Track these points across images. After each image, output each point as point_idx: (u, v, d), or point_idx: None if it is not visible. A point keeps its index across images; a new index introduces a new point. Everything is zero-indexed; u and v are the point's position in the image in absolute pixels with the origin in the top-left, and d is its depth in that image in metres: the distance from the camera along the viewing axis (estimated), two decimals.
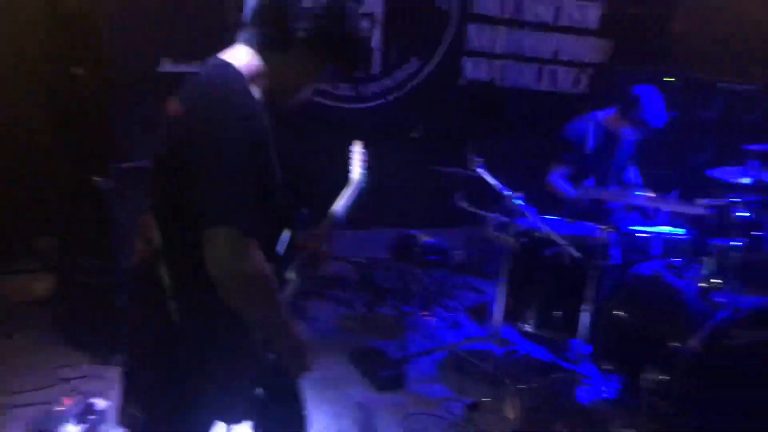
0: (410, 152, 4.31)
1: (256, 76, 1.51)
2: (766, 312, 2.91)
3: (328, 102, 4.62)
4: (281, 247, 1.68)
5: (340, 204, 2.12)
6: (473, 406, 3.16)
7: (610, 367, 3.25)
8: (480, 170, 3.27)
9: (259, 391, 1.57)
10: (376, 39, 4.69)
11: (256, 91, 1.51)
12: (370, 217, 3.88)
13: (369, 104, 4.79)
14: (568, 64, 5.22)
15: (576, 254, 3.09)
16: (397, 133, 4.30)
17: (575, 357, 3.25)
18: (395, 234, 4.34)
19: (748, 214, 3.07)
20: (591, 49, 5.23)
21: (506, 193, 3.19)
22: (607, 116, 3.87)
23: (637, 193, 3.30)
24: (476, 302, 4.47)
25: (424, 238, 4.18)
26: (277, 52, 1.52)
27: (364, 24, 4.62)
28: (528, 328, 3.49)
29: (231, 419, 1.59)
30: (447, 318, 4.18)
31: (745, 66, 5.37)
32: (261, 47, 1.52)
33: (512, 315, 3.50)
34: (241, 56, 1.51)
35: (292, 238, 1.72)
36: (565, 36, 5.17)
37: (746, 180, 3.33)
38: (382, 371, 3.39)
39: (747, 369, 2.89)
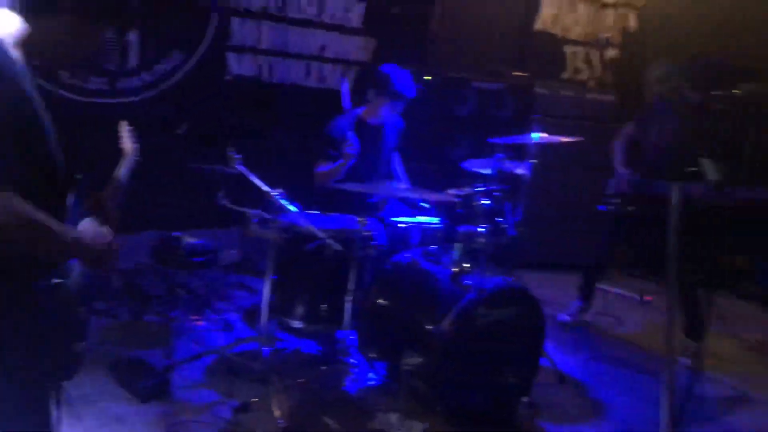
0: (173, 150, 4.12)
1: (19, 40, 1.52)
2: (506, 291, 3.17)
3: (80, 98, 4.27)
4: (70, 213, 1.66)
5: (121, 171, 2.32)
6: (241, 408, 3.09)
7: (375, 354, 3.35)
8: (240, 167, 3.21)
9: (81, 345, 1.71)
10: (132, 32, 4.42)
11: (17, 54, 1.51)
12: (133, 221, 3.65)
13: (127, 99, 4.51)
14: (334, 61, 5.31)
15: (337, 247, 3.14)
16: (158, 130, 4.08)
17: (343, 348, 3.32)
18: (158, 237, 4.13)
19: (489, 202, 3.33)
20: (355, 47, 5.36)
21: (266, 189, 3.16)
22: (365, 109, 3.99)
23: (394, 185, 3.42)
24: (249, 302, 4.39)
25: (188, 239, 4.02)
26: (41, 15, 1.54)
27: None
28: (296, 324, 3.49)
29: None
30: (217, 320, 4.06)
31: (495, 66, 5.85)
32: (25, 10, 1.53)
33: (281, 312, 3.48)
34: (2, 20, 1.52)
35: (78, 203, 1.70)
36: (329, 33, 5.24)
37: (489, 171, 3.62)
38: (144, 381, 3.20)
39: (492, 345, 3.13)
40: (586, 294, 4.68)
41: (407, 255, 3.44)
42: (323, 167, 3.89)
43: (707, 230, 3.93)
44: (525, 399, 3.36)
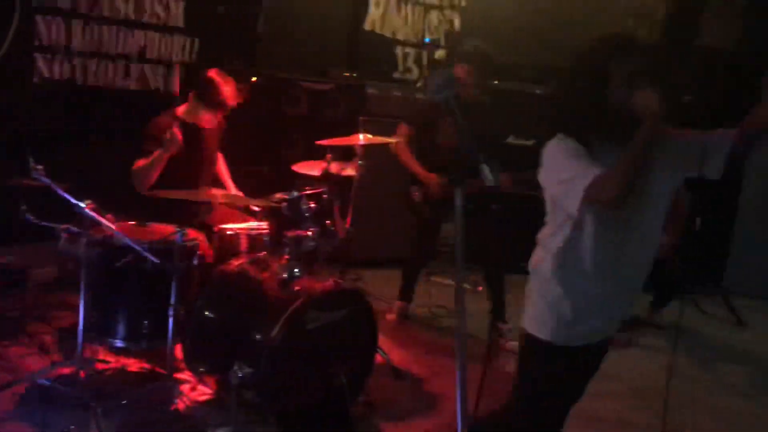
0: None
1: None
2: (336, 293, 3.17)
3: None
4: None
5: None
6: None
7: (204, 368, 3.23)
8: (43, 179, 2.96)
9: None
10: None
11: None
12: None
13: None
14: (156, 62, 5.06)
15: (154, 259, 2.98)
16: None
17: (170, 364, 3.17)
18: None
19: (314, 205, 3.31)
20: (178, 47, 5.15)
21: (73, 201, 2.94)
22: (185, 110, 3.84)
23: (222, 192, 3.30)
24: (68, 322, 4.08)
25: None
26: None
27: None
28: (118, 342, 3.29)
29: None
30: (32, 344, 3.73)
31: (325, 67, 5.86)
32: None
33: (100, 330, 3.27)
34: None
35: None
36: (150, 33, 4.99)
37: (316, 172, 3.60)
38: None
39: (324, 347, 3.12)
40: (407, 291, 4.82)
41: (235, 263, 3.34)
42: (141, 162, 3.67)
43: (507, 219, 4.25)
44: (360, 398, 3.40)
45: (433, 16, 7.15)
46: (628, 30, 6.62)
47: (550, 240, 2.18)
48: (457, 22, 7.30)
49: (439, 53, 7.23)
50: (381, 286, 5.41)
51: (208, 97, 3.73)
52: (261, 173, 4.99)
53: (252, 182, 4.38)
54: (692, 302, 5.99)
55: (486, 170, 1.30)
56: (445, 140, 4.69)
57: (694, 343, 5.09)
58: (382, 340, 4.26)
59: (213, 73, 3.77)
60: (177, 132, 3.52)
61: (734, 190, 6.60)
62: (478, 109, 4.53)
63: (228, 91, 3.74)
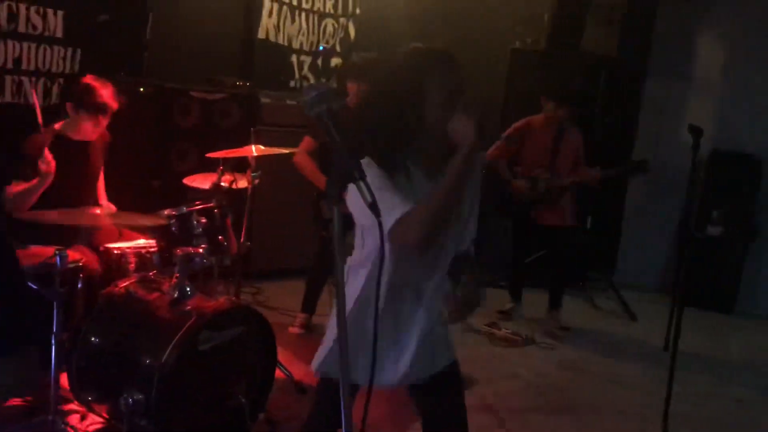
0: None
1: None
2: (229, 311, 3.07)
3: None
4: None
5: None
6: None
7: (93, 397, 3.06)
8: None
9: None
10: None
11: None
12: None
13: None
14: (33, 74, 4.78)
15: (32, 285, 2.80)
16: None
17: (56, 394, 2.97)
18: None
19: (205, 220, 3.20)
20: (57, 58, 4.88)
21: None
22: (63, 124, 3.63)
23: (98, 211, 3.12)
24: None
25: None
26: None
27: None
28: None
29: None
30: None
31: (219, 76, 5.71)
32: None
33: None
34: None
35: None
36: (24, 44, 4.71)
37: (207, 185, 3.48)
38: None
39: (220, 368, 3.02)
40: (310, 302, 4.76)
41: (122, 284, 3.18)
42: (16, 188, 3.44)
43: None
44: (261, 417, 3.31)
45: (329, 24, 7.11)
46: (517, 36, 6.84)
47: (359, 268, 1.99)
48: (352, 30, 7.29)
49: (335, 60, 7.20)
50: (283, 298, 5.33)
51: (87, 103, 3.51)
52: (152, 187, 4.80)
53: (143, 197, 4.20)
54: (587, 298, 6.24)
55: (363, 188, 1.27)
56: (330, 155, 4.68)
57: (588, 338, 5.28)
58: (285, 355, 4.20)
59: (88, 79, 3.58)
60: (50, 160, 3.30)
61: (621, 189, 6.92)
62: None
63: (106, 93, 3.55)
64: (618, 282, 6.43)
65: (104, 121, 3.62)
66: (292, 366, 3.95)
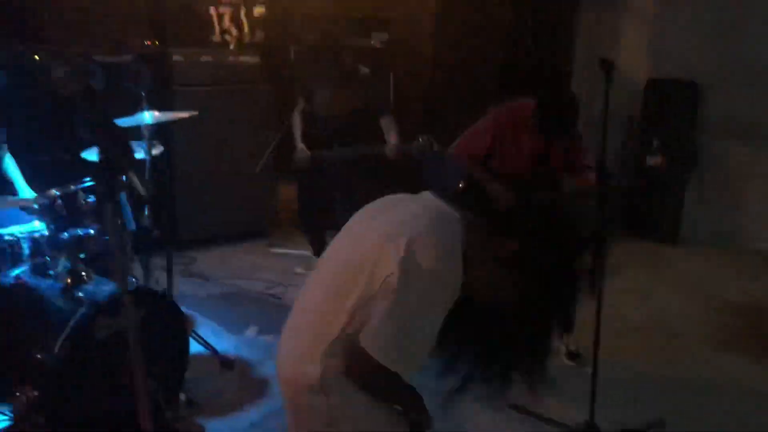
0: None
1: None
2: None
3: None
4: None
5: None
6: None
7: None
8: None
9: None
10: None
11: None
12: None
13: None
14: None
15: None
16: None
17: None
18: None
19: (93, 199, 2.96)
20: None
21: None
22: None
23: None
24: None
25: None
26: None
27: None
28: None
29: None
30: None
31: (128, 38, 5.35)
32: None
33: None
34: None
35: None
36: None
37: (92, 158, 3.23)
38: None
39: (119, 356, 2.82)
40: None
41: (13, 273, 2.94)
42: None
43: None
44: (180, 398, 3.15)
45: None
46: None
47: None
48: None
49: (258, 9, 6.83)
50: (216, 266, 5.13)
51: None
52: (53, 162, 4.49)
53: (42, 174, 3.90)
54: None
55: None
56: (324, 111, 4.55)
57: None
58: (209, 327, 4.04)
59: None
60: None
61: None
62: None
63: None
64: None
65: None
66: (218, 338, 3.80)
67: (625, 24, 6.44)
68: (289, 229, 5.78)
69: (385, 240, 1.68)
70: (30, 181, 3.70)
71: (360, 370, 1.67)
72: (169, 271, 3.63)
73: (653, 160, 6.08)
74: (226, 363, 3.59)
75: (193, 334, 3.59)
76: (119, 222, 3.02)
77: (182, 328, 3.06)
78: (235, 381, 3.50)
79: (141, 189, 1.06)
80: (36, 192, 3.36)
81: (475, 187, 3.77)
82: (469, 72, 6.06)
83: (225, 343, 3.86)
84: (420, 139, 4.30)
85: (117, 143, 1.09)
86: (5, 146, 3.77)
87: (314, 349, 1.73)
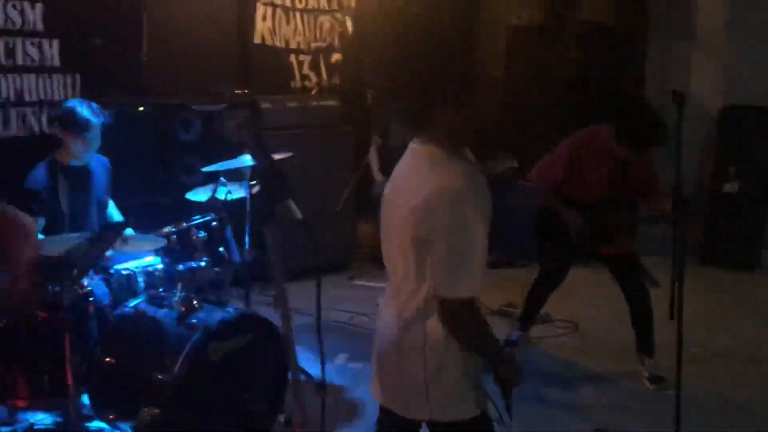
0: None
1: None
2: (234, 320, 3.14)
3: None
4: None
5: None
6: None
7: (114, 415, 3.15)
8: None
9: None
10: None
11: None
12: None
13: None
14: (37, 104, 4.91)
15: (41, 313, 2.91)
16: None
17: (77, 416, 3.09)
18: None
19: (204, 234, 3.27)
20: (58, 87, 5.00)
21: None
22: (64, 151, 3.72)
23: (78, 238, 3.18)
24: None
25: None
26: None
27: None
28: (21, 402, 3.20)
29: None
30: None
31: (218, 87, 5.77)
32: None
33: (3, 393, 3.17)
34: None
35: None
36: (25, 76, 4.84)
37: (203, 198, 3.55)
38: None
39: (232, 376, 3.10)
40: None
41: (132, 304, 3.27)
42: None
43: None
44: (281, 418, 3.38)
45: (325, 20, 7.13)
46: (514, 12, 6.79)
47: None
48: (349, 24, 7.31)
49: (335, 56, 7.23)
50: (303, 298, 5.38)
51: (69, 122, 3.61)
52: (159, 204, 4.89)
53: (151, 214, 4.29)
54: None
55: (292, 206, 1.33)
56: (399, 145, 4.83)
57: (603, 307, 5.23)
58: (303, 355, 4.27)
59: (71, 101, 3.72)
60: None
61: None
62: None
63: (86, 111, 3.63)
64: None
65: (94, 141, 3.67)
66: (309, 365, 4.03)
67: (695, 53, 6.50)
68: (369, 263, 6.03)
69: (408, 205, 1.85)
70: (145, 220, 4.06)
71: (450, 317, 1.84)
72: (283, 300, 3.88)
73: (730, 187, 6.08)
74: (320, 387, 3.81)
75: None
76: (228, 254, 3.33)
77: (283, 353, 3.31)
78: (329, 403, 3.71)
79: (297, 214, 1.28)
80: (136, 230, 3.70)
81: (549, 212, 3.95)
82: (539, 104, 6.24)
83: (316, 369, 4.09)
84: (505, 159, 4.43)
85: (276, 175, 1.33)
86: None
87: (411, 312, 1.93)
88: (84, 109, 3.61)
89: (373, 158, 5.00)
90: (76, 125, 3.59)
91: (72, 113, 3.59)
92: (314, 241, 1.47)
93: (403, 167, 1.98)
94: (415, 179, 1.87)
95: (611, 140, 3.69)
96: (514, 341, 4.47)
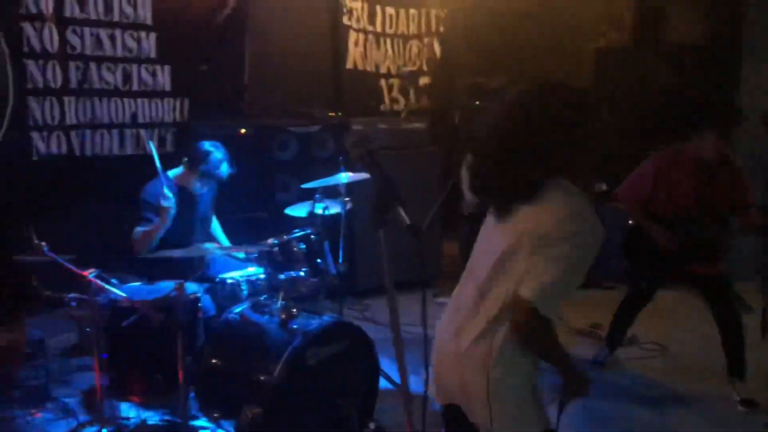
0: None
1: None
2: (330, 328, 3.33)
3: None
4: None
5: None
6: None
7: (218, 414, 3.38)
8: (48, 253, 3.18)
9: None
10: None
11: None
12: None
13: None
14: (149, 125, 5.32)
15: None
16: None
17: (186, 413, 3.33)
18: None
19: (304, 246, 3.49)
20: (168, 109, 5.40)
21: (78, 272, 3.15)
22: (177, 174, 4.05)
23: (206, 246, 3.48)
24: (91, 383, 4.26)
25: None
26: None
27: None
28: (136, 398, 3.48)
29: None
30: (57, 408, 3.92)
31: (313, 109, 6.07)
32: None
33: (119, 388, 3.46)
34: None
35: None
36: (139, 100, 5.26)
37: (303, 213, 3.78)
38: None
39: (328, 381, 3.27)
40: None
41: (236, 310, 3.51)
42: (140, 231, 3.89)
43: None
44: (371, 425, 3.53)
45: (413, 45, 7.37)
46: (601, 34, 6.81)
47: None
48: (437, 48, 7.51)
49: (423, 79, 7.44)
50: (388, 312, 5.53)
51: (199, 167, 3.99)
52: (257, 219, 5.19)
53: (250, 228, 4.56)
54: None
55: (401, 212, 1.48)
56: None
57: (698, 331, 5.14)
58: (389, 367, 4.42)
59: (208, 145, 4.05)
60: (170, 199, 3.74)
61: None
62: None
63: (219, 164, 3.98)
64: None
65: (212, 185, 4.02)
66: (397, 377, 4.15)
67: None
68: (453, 282, 6.12)
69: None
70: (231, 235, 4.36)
71: (522, 322, 1.89)
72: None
73: None
74: (408, 397, 3.94)
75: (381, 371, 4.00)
76: (324, 267, 3.54)
77: (375, 362, 3.47)
78: (417, 412, 3.84)
79: (407, 221, 1.43)
80: (236, 243, 3.98)
81: (639, 231, 3.97)
82: (627, 126, 6.21)
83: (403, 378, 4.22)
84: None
85: (387, 183, 1.50)
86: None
87: (479, 325, 2.02)
88: (217, 163, 3.96)
89: (465, 176, 5.12)
90: (206, 166, 3.92)
91: (206, 156, 3.92)
92: (421, 247, 1.58)
93: None
94: (536, 202, 1.93)
95: (698, 150, 3.73)
96: (600, 362, 4.48)
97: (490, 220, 2.12)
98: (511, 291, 1.93)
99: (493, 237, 2.06)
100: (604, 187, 4.54)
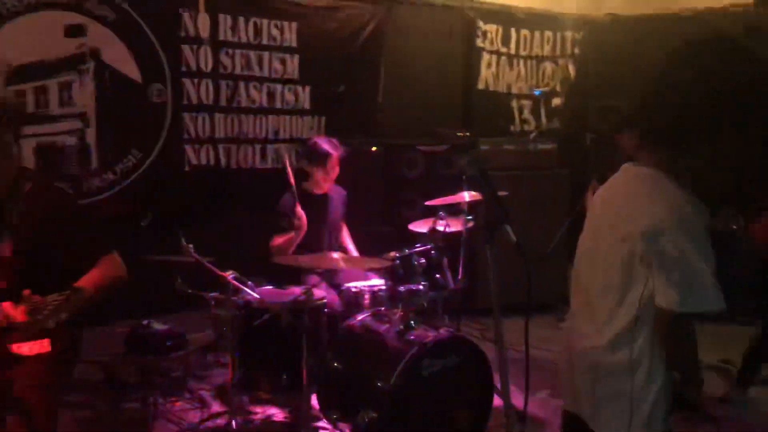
0: (138, 242, 4.38)
1: None
2: (447, 341, 3.42)
3: None
4: None
5: None
6: None
7: (337, 416, 3.56)
8: (194, 254, 3.50)
9: None
10: (90, 136, 4.80)
11: None
12: (104, 313, 3.87)
13: (93, 199, 4.85)
14: (289, 141, 5.68)
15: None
16: (124, 224, 4.38)
17: (308, 413, 3.54)
18: (129, 326, 4.35)
19: (424, 261, 3.61)
20: (306, 126, 5.75)
21: (219, 273, 3.45)
22: (308, 182, 4.32)
23: (335, 255, 3.68)
24: (223, 378, 4.58)
25: (157, 325, 4.25)
26: None
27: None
28: (263, 394, 3.74)
29: None
30: (193, 399, 4.26)
31: (442, 129, 6.20)
32: None
33: (248, 384, 3.72)
34: None
35: None
36: (281, 117, 5.64)
37: (424, 230, 3.91)
38: None
39: (441, 393, 3.37)
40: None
41: (359, 318, 3.69)
42: (278, 240, 4.18)
43: None
44: None
45: (547, 66, 7.34)
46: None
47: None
48: (572, 70, 7.44)
49: (556, 101, 7.39)
50: (510, 334, 5.50)
51: (313, 156, 4.29)
52: (383, 233, 5.38)
53: (375, 242, 4.75)
54: None
55: (509, 230, 1.55)
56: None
57: None
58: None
59: (314, 138, 4.40)
60: (302, 216, 4.01)
61: None
62: None
63: (326, 145, 4.27)
64: None
65: (332, 171, 4.24)
66: (513, 396, 4.17)
67: None
68: None
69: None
70: (371, 246, 4.54)
71: (669, 330, 1.91)
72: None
73: None
74: (523, 416, 3.96)
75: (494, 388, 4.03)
76: (442, 282, 3.65)
77: (489, 379, 3.52)
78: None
79: (513, 238, 1.52)
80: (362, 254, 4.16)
81: None
82: None
83: (517, 400, 4.22)
84: (726, 213, 4.30)
85: (496, 202, 1.59)
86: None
87: (615, 333, 2.03)
88: (324, 143, 4.20)
89: (590, 201, 5.07)
90: (319, 157, 4.18)
91: (315, 147, 4.20)
92: (528, 265, 1.65)
93: (618, 188, 2.11)
94: (637, 201, 1.98)
95: None
96: (733, 401, 4.27)
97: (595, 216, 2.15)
98: (635, 304, 1.96)
99: (599, 237, 2.12)
100: (742, 222, 4.31)
